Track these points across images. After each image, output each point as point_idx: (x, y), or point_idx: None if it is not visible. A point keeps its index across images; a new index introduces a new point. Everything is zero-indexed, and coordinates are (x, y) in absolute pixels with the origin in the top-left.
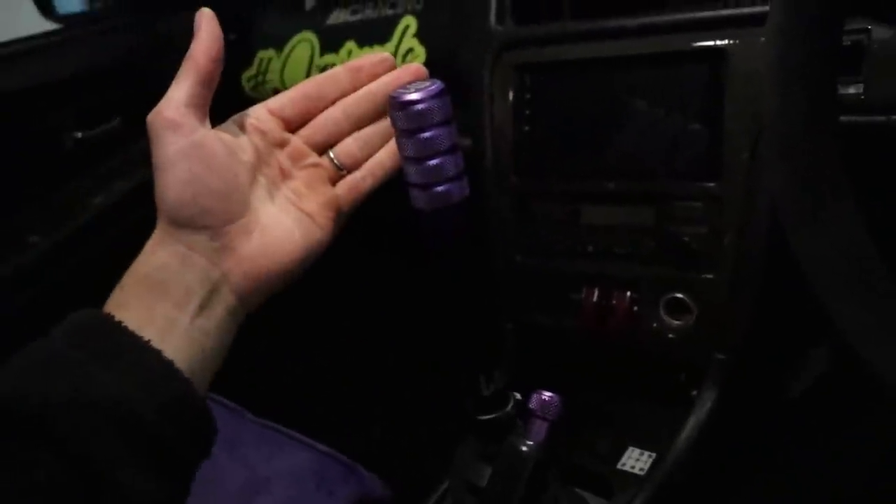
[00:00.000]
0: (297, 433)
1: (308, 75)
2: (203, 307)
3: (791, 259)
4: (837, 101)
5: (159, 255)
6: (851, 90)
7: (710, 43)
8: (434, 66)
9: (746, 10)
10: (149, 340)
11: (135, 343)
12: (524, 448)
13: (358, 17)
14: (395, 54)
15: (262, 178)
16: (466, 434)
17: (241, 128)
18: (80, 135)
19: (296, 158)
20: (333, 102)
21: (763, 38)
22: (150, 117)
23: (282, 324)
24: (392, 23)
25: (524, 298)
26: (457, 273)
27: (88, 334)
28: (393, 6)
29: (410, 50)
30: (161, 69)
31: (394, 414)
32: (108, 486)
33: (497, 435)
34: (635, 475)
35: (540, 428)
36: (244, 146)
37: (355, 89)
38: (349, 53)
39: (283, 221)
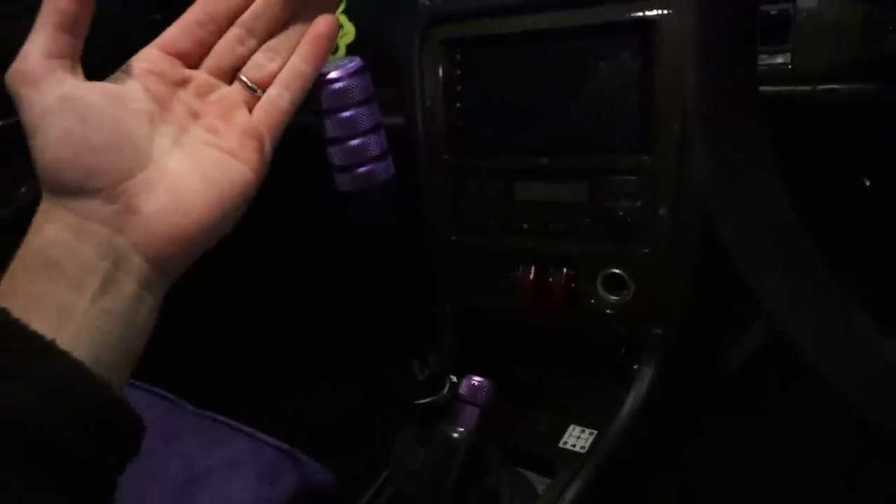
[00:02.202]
0: (235, 422)
1: None
2: (107, 284)
3: None
4: (757, 72)
5: (48, 230)
6: (779, 60)
7: (641, 14)
8: (364, 43)
9: None
10: (40, 333)
11: (22, 336)
12: (455, 435)
13: None
14: None
15: (165, 126)
16: (405, 419)
17: (131, 75)
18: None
19: (203, 94)
20: (231, 22)
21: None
22: (8, 76)
23: (216, 310)
24: None
25: (460, 278)
26: (385, 255)
27: None
28: None
29: (339, 27)
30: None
31: (335, 399)
32: None
33: (434, 419)
34: (577, 453)
35: (471, 413)
36: (135, 94)
37: (249, 2)
38: None
39: (198, 168)
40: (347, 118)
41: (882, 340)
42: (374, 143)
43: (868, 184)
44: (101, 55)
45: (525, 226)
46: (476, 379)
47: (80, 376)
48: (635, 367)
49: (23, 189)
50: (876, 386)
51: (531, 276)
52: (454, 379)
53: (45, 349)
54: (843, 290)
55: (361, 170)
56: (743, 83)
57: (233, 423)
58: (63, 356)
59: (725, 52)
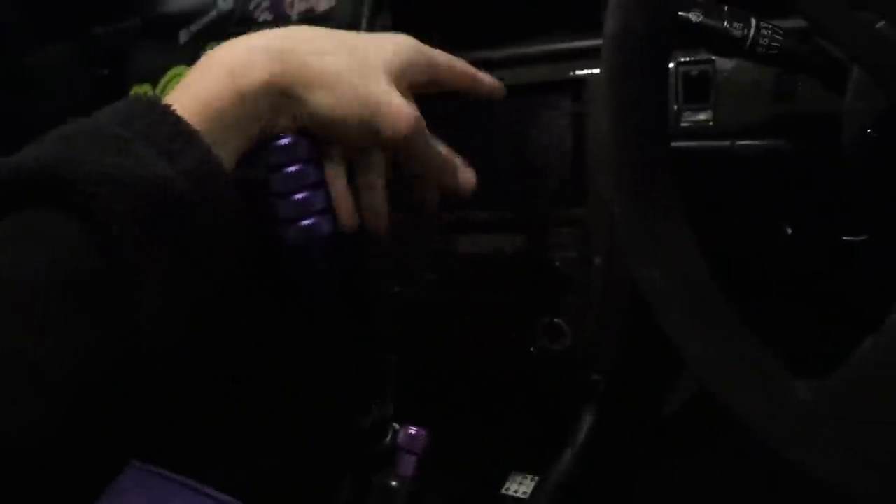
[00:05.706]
0: (181, 477)
1: None
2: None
3: None
4: (668, 130)
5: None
6: (701, 116)
7: (572, 73)
8: None
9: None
10: (198, 130)
11: (183, 129)
12: (394, 484)
13: None
14: None
15: None
16: (347, 468)
17: None
18: None
19: None
20: None
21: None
22: None
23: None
24: None
25: (403, 330)
26: (330, 308)
27: (137, 116)
28: None
29: None
30: (23, 107)
31: (279, 450)
32: (132, 276)
33: (376, 467)
34: (519, 499)
35: (408, 463)
36: None
37: None
38: None
39: None
40: (293, 173)
41: (793, 382)
42: (319, 198)
43: (790, 231)
44: (49, 106)
45: (466, 278)
46: (412, 428)
47: (216, 167)
48: (574, 413)
49: None
50: (795, 432)
51: (471, 327)
52: (397, 427)
53: (192, 138)
54: (755, 336)
55: (305, 223)
56: (655, 138)
57: (178, 477)
58: (209, 151)
59: (638, 108)
